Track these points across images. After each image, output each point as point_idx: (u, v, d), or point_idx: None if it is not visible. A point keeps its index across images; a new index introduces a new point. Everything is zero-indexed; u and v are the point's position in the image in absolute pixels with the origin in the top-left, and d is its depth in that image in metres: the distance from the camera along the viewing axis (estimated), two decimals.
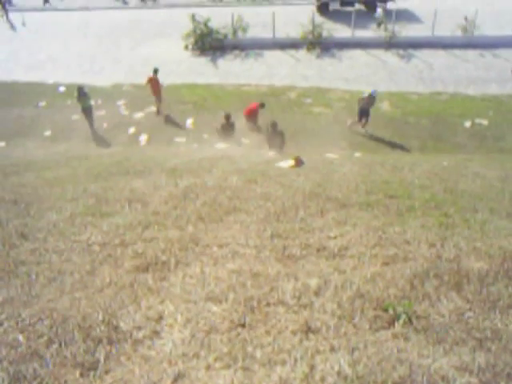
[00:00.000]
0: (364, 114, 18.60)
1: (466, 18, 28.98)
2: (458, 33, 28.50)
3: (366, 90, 18.96)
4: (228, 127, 17.52)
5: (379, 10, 29.88)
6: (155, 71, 19.89)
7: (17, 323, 3.94)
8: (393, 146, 17.96)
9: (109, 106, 20.77)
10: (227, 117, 17.41)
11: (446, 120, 19.74)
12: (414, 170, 10.98)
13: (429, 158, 15.03)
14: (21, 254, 5.30)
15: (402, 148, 17.80)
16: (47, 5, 36.52)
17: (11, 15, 33.61)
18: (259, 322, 3.89)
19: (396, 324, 3.86)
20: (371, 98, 18.46)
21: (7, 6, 33.89)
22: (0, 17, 33.09)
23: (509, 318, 3.95)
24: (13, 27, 32.48)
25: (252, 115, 18.19)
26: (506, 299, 4.20)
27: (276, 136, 16.27)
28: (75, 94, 18.60)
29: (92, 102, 19.25)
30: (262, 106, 18.24)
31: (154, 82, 19.90)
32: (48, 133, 18.78)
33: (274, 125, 16.23)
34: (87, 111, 18.86)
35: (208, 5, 35.82)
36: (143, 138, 18.48)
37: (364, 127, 18.95)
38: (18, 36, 30.78)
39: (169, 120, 20.19)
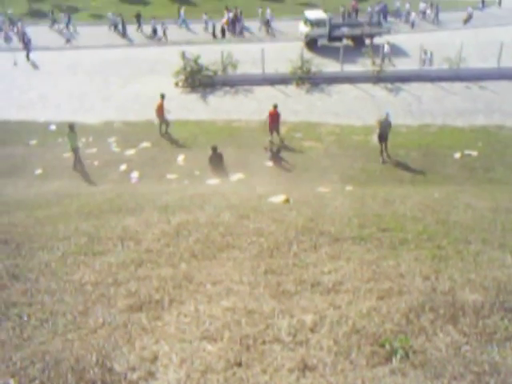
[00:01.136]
0: (384, 138, 19.30)
1: (424, 51, 29.70)
2: (445, 66, 28.97)
3: (382, 116, 19.68)
4: (215, 159, 17.97)
5: (387, 46, 30.37)
6: (162, 96, 21.86)
7: (8, 367, 3.87)
8: (383, 178, 18.04)
9: (100, 144, 20.83)
10: (214, 148, 17.94)
11: (436, 152, 19.92)
12: (406, 202, 11.02)
13: (420, 189, 15.11)
14: (12, 296, 5.24)
15: (392, 180, 17.88)
16: (68, 44, 37.26)
17: (3, 55, 33.92)
18: (255, 361, 3.84)
19: (393, 359, 3.82)
20: (387, 121, 19.21)
21: (30, 45, 34.27)
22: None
23: (506, 350, 3.93)
24: (35, 66, 33.05)
25: (275, 119, 20.53)
26: (503, 332, 4.18)
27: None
28: (68, 131, 18.77)
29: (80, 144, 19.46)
30: (276, 106, 20.58)
31: (159, 107, 21.59)
32: (39, 171, 18.75)
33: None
34: (76, 151, 19.06)
35: (198, 42, 36.33)
36: (135, 175, 18.50)
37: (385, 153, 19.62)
38: (10, 75, 30.95)
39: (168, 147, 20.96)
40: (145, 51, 35.61)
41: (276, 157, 20.06)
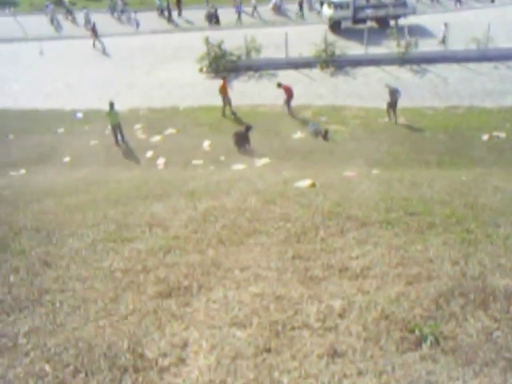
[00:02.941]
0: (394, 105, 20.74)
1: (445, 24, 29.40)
2: (472, 46, 28.36)
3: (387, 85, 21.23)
4: (242, 137, 18.65)
5: (444, 28, 29.64)
6: (224, 77, 23.49)
7: (43, 353, 3.97)
8: (410, 161, 17.83)
9: (126, 131, 20.92)
10: (247, 128, 18.68)
11: (463, 134, 19.61)
12: (433, 185, 10.88)
13: (447, 172, 14.90)
14: (44, 282, 5.34)
15: (419, 163, 17.66)
16: (138, 29, 37.96)
17: (31, 44, 34.11)
18: (284, 347, 3.86)
19: (423, 345, 3.81)
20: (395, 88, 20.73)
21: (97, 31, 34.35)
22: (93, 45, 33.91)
23: None
24: (105, 52, 33.48)
25: (289, 93, 22.48)
26: None
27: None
28: (109, 109, 19.73)
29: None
30: (279, 84, 22.92)
31: (223, 87, 22.58)
32: (67, 159, 18.97)
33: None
34: (117, 127, 20.01)
35: (221, 28, 36.27)
36: (161, 161, 18.58)
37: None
38: (37, 64, 31.25)
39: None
40: (167, 38, 35.62)
41: (320, 135, 20.08)
